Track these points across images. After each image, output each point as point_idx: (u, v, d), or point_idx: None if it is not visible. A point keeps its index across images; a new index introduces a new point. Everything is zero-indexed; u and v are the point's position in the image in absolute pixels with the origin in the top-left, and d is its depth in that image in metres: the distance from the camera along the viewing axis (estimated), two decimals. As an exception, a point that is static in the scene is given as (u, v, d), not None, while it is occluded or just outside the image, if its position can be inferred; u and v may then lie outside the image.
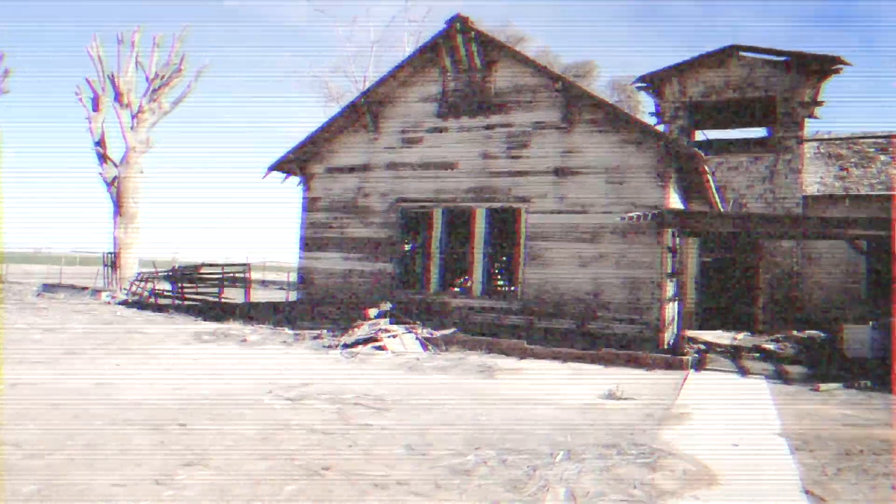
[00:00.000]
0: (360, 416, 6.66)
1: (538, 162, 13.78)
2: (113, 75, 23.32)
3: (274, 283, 25.57)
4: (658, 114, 18.85)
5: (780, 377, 10.72)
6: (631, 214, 12.30)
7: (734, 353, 13.29)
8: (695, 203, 16.33)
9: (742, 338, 15.21)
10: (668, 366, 10.98)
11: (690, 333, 15.05)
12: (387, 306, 13.95)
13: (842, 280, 16.24)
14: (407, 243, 20.85)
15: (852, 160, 17.65)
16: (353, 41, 31.02)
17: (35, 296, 18.38)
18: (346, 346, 12.20)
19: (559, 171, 13.54)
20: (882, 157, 17.36)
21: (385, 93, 15.35)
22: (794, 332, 14.93)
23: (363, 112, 15.35)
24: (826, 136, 19.01)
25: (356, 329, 13.00)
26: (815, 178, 17.21)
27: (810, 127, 18.21)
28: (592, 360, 11.39)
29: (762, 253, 17.07)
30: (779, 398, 8.79)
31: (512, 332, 13.43)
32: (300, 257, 16.21)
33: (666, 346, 12.27)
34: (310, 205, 16.22)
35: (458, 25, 14.10)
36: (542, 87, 13.86)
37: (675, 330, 11.88)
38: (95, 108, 23.77)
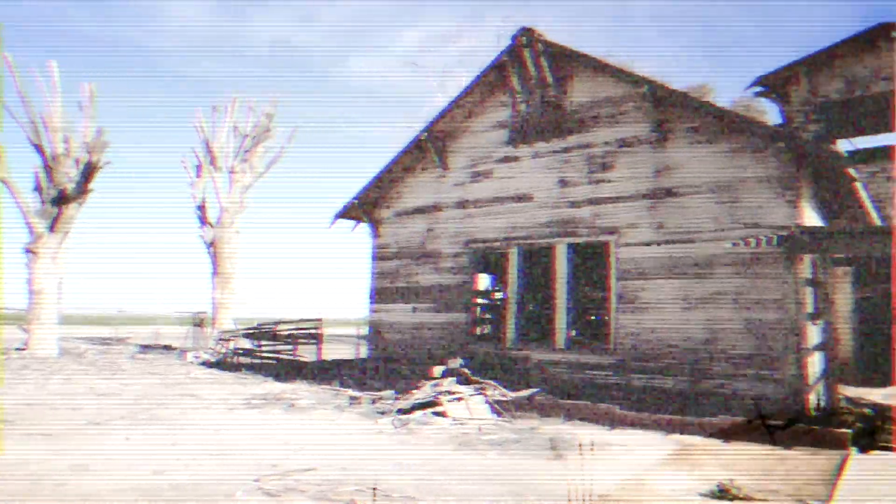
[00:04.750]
0: (334, 526, 4.80)
1: (626, 185, 11.47)
2: (208, 141, 24.27)
3: (349, 337, 24.69)
4: (784, 124, 15.67)
5: None
6: (748, 238, 9.57)
7: (918, 421, 9.72)
8: (844, 225, 12.93)
9: (928, 397, 11.38)
10: (817, 441, 7.97)
11: (849, 392, 11.53)
12: (456, 363, 12.05)
13: None
14: (497, 290, 18.93)
15: None
16: (445, 92, 30.19)
17: (129, 357, 18.63)
18: (401, 411, 10.43)
19: (653, 194, 11.13)
20: None
21: (450, 124, 13.92)
22: None
23: (428, 148, 13.99)
24: None
25: (416, 391, 11.21)
26: None
27: None
28: (705, 433, 8.64)
29: (946, 283, 13.08)
30: None
31: (605, 391, 10.93)
32: (370, 310, 14.88)
33: (812, 413, 9.16)
34: (378, 252, 14.95)
35: (525, 39, 12.44)
36: (626, 97, 11.68)
37: (825, 389, 8.82)
38: (198, 174, 24.78)
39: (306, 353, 16.41)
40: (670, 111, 11.15)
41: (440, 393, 10.84)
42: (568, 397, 10.91)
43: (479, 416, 10.29)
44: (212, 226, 24.14)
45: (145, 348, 21.02)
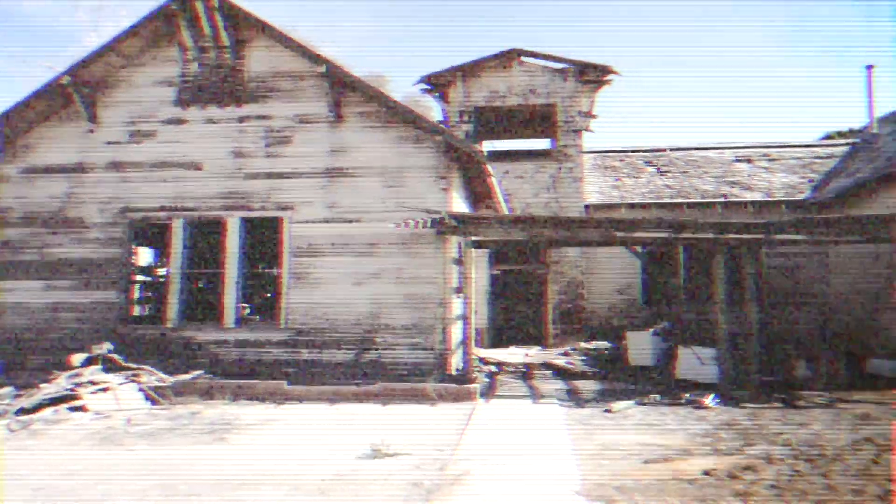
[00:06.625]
0: None
1: (303, 162, 11.47)
2: None
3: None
4: (445, 121, 17.76)
5: (573, 398, 9.64)
6: (409, 220, 10.55)
7: (526, 373, 12.20)
8: (483, 213, 15.30)
9: (534, 354, 14.37)
10: (456, 397, 9.30)
11: (483, 353, 13.80)
12: (103, 349, 10.46)
13: (622, 287, 16.38)
14: (160, 266, 17.12)
15: (625, 171, 18.21)
16: (101, 33, 25.75)
17: None
18: (21, 411, 8.59)
19: (328, 173, 11.38)
20: (650, 169, 18.15)
21: (104, 72, 11.90)
22: (583, 344, 14.47)
23: (72, 96, 11.71)
24: (601, 149, 19.57)
25: (46, 385, 9.38)
26: (594, 188, 17.35)
27: (585, 142, 18.34)
28: (368, 399, 9.29)
29: (549, 262, 16.66)
30: (575, 428, 7.47)
31: (277, 368, 10.84)
32: (-17, 289, 11.85)
33: (455, 372, 10.65)
34: (-3, 218, 11.98)
35: (198, -9, 11.32)
36: (306, 73, 11.63)
37: (463, 353, 10.34)
38: None
39: None
40: (346, 94, 11.51)
41: (80, 384, 9.29)
42: (238, 377, 10.50)
43: (130, 406, 9.16)
44: None
45: None
